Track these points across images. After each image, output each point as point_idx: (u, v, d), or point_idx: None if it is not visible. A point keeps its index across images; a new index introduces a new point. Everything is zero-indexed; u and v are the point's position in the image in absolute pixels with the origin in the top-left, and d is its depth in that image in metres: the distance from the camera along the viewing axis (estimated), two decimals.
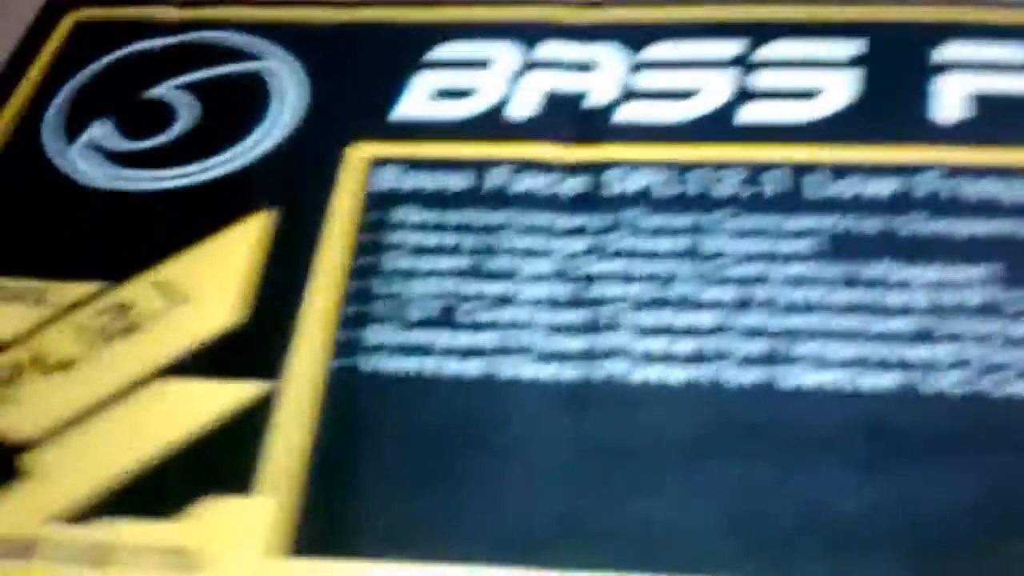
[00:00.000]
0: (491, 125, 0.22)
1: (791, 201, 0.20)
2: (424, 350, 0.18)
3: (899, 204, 0.20)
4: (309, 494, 0.16)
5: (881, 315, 0.18)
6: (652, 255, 0.19)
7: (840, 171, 0.20)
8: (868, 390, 0.17)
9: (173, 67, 0.23)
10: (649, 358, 0.18)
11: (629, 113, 0.22)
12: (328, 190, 0.20)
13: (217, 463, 0.17)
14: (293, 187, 0.20)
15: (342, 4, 0.24)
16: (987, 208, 0.19)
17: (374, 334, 0.18)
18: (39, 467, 0.17)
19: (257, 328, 0.18)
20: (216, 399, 0.17)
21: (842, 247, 0.19)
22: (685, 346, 0.18)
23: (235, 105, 0.22)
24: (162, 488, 0.16)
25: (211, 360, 0.18)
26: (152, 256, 0.19)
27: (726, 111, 0.22)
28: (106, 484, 0.16)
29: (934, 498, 0.16)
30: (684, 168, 0.21)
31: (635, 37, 0.23)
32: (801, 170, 0.20)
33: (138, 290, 0.19)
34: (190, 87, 0.23)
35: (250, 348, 0.18)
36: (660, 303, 0.18)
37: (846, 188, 0.20)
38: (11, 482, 0.17)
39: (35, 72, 0.23)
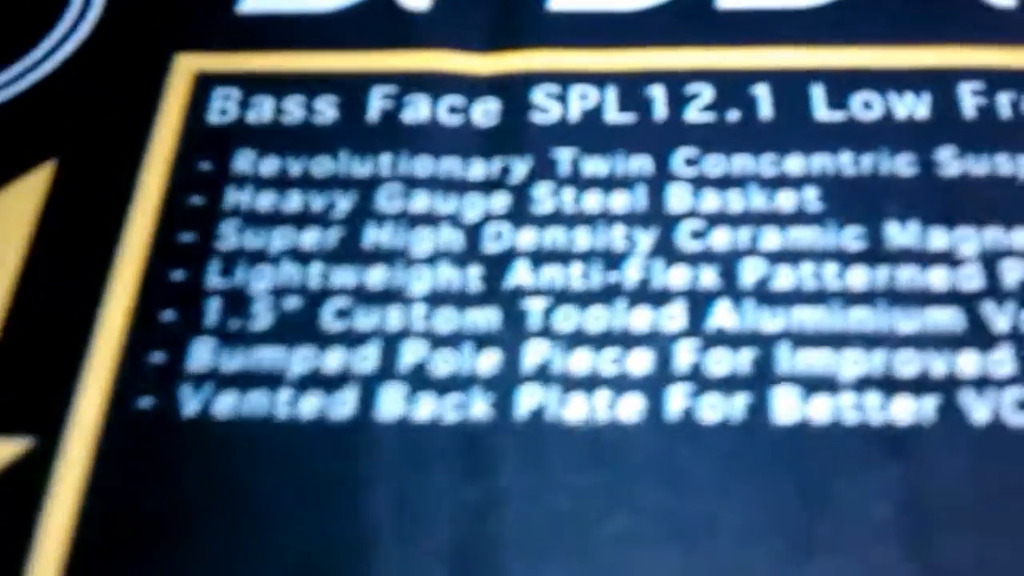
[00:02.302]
0: (373, 23, 0.15)
1: (788, 129, 0.15)
2: (275, 379, 0.12)
3: (939, 130, 0.15)
4: None
5: (915, 305, 0.13)
6: (595, 218, 0.14)
7: (851, 82, 0.15)
8: (901, 422, 0.12)
9: None
10: (592, 382, 0.12)
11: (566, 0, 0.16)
12: (141, 127, 0.14)
13: None
14: (89, 124, 0.14)
15: None
16: None
17: (200, 355, 0.12)
18: None
19: (22, 352, 0.13)
20: None
21: (858, 198, 0.14)
22: (642, 361, 0.13)
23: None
24: None
25: None
26: None
27: None
28: None
29: None
30: (641, 81, 0.15)
31: None
32: (798, 82, 0.15)
33: None
34: None
35: (6, 383, 0.12)
36: (606, 294, 0.13)
37: (864, 108, 0.15)
38: None
39: None
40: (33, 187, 0.14)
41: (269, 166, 0.14)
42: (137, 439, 0.12)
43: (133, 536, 0.11)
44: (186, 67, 0.15)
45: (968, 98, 0.15)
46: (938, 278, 0.13)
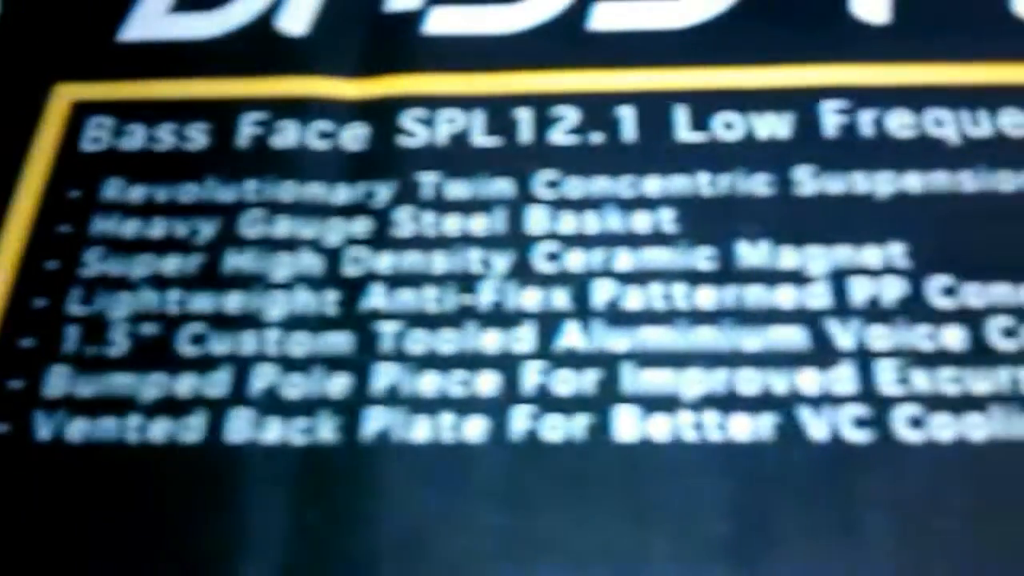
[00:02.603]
0: (250, 49, 0.16)
1: (649, 150, 0.15)
2: (126, 404, 0.13)
3: (799, 150, 0.15)
4: None
5: (760, 324, 0.13)
6: (453, 242, 0.14)
7: (715, 103, 0.15)
8: (739, 439, 0.12)
9: None
10: (439, 404, 0.13)
11: (441, 22, 0.16)
12: (15, 157, 0.15)
13: None
14: None
15: None
16: (923, 152, 0.14)
17: (56, 381, 0.13)
18: None
19: None
20: None
21: (713, 218, 0.14)
22: (490, 382, 0.13)
23: None
24: None
25: None
26: None
27: (571, 19, 0.16)
28: None
29: None
30: (508, 105, 0.15)
31: None
32: (662, 103, 0.15)
33: None
34: None
35: None
36: (458, 317, 0.13)
37: (726, 129, 0.15)
38: None
39: None
40: None
41: (137, 193, 0.14)
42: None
43: None
44: (64, 96, 0.15)
45: (830, 117, 0.15)
46: (785, 297, 0.13)
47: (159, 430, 0.13)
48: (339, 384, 0.13)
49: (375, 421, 0.13)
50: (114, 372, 0.13)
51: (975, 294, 0.13)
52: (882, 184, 0.14)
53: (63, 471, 0.12)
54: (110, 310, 0.13)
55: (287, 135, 0.15)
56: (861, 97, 0.15)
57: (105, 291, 0.13)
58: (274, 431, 0.13)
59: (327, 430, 0.13)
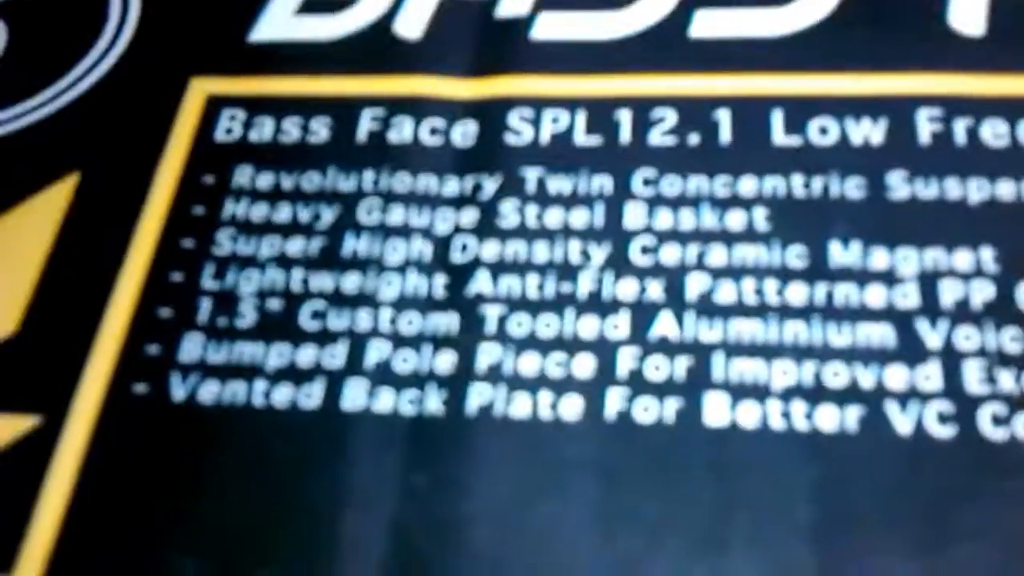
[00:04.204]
0: (369, 50, 0.17)
1: (745, 152, 0.15)
2: (253, 371, 0.14)
3: (892, 155, 0.15)
4: None
5: (849, 321, 0.14)
6: (554, 233, 0.15)
7: (811, 108, 0.16)
8: (826, 430, 0.13)
9: None
10: (537, 383, 0.13)
11: (549, 28, 0.17)
12: (156, 144, 0.16)
13: None
14: (112, 140, 0.16)
15: None
16: (1016, 161, 0.15)
17: (191, 348, 0.14)
18: None
19: (37, 340, 0.14)
20: None
21: (804, 219, 0.15)
22: (586, 365, 0.14)
23: (58, 24, 0.18)
24: None
25: None
26: None
27: (673, 25, 0.17)
28: None
29: None
30: (610, 106, 0.16)
31: None
32: (759, 107, 0.16)
33: None
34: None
35: (23, 367, 0.14)
36: (558, 304, 0.14)
37: (820, 134, 0.15)
38: None
39: None
40: (60, 195, 0.15)
41: (265, 180, 0.15)
42: (132, 420, 0.14)
43: (124, 502, 0.13)
44: (200, 89, 0.17)
45: (924, 124, 0.15)
46: (875, 296, 0.14)
47: (282, 395, 0.14)
48: (445, 361, 0.14)
49: (478, 396, 0.13)
50: (242, 341, 0.14)
51: None
52: (974, 191, 0.15)
53: (195, 428, 0.13)
54: (240, 286, 0.14)
55: (402, 130, 0.16)
56: (956, 106, 0.15)
57: (235, 268, 0.15)
58: (386, 401, 0.14)
59: (434, 402, 0.14)
